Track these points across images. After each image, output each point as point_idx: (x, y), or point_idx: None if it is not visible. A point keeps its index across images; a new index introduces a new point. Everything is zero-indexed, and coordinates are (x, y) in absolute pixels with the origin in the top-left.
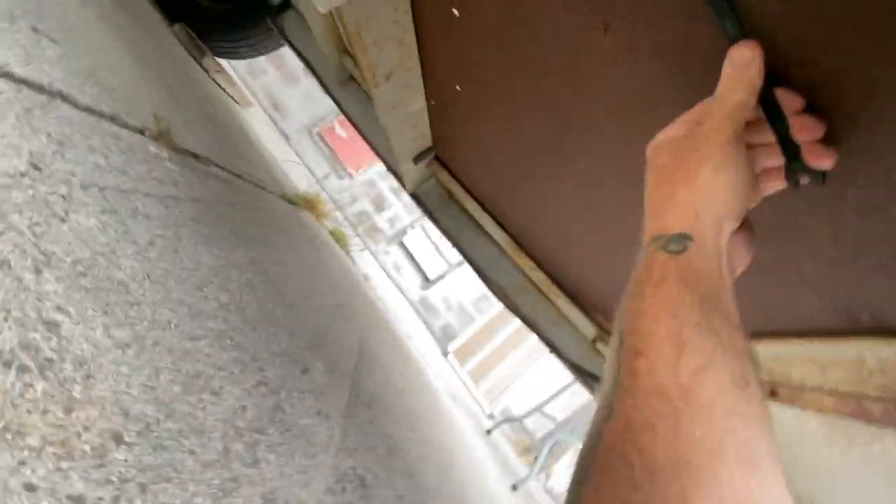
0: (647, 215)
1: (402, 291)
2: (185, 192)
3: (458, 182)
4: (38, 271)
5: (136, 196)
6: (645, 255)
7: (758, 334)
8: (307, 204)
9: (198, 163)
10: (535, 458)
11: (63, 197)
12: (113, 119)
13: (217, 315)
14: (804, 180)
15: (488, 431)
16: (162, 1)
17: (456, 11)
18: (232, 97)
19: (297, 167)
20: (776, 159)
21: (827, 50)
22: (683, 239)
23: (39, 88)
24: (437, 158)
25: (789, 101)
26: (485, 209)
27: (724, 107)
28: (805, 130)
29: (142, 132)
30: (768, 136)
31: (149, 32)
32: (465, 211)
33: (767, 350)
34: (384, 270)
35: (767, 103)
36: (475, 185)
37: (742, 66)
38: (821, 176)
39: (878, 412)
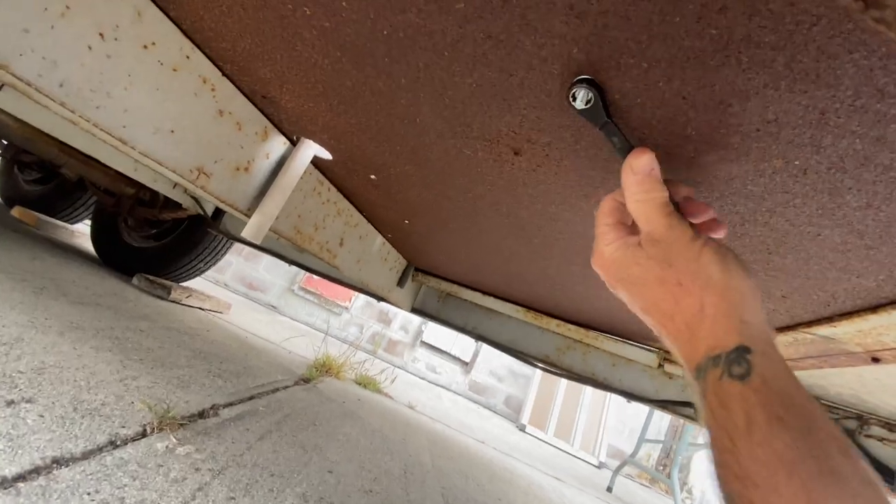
0: (668, 337)
1: (448, 388)
2: (209, 471)
3: (447, 281)
4: None
5: None
6: (709, 389)
7: (825, 318)
8: (323, 370)
9: (207, 420)
10: (667, 488)
11: None
12: (112, 443)
13: None
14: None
15: (609, 489)
16: (114, 263)
17: (373, 176)
18: (211, 310)
19: (299, 338)
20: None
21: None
22: (742, 353)
23: (35, 472)
24: (419, 270)
25: (680, 191)
26: (484, 293)
27: (658, 206)
28: (697, 213)
29: (144, 433)
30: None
31: (115, 309)
32: (466, 301)
33: (846, 328)
34: (422, 378)
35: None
36: (464, 278)
37: (646, 167)
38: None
39: None
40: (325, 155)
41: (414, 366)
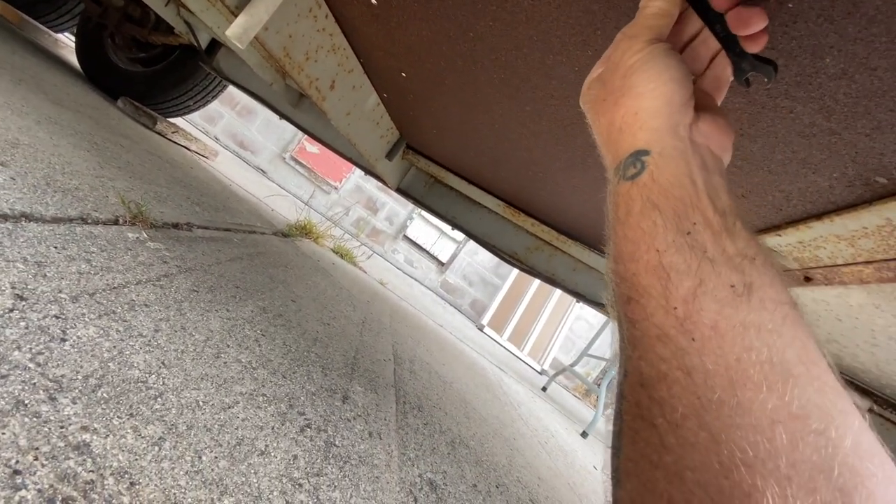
0: (603, 156)
1: (422, 283)
2: (176, 266)
3: (436, 164)
4: (52, 399)
5: (129, 289)
6: (609, 195)
7: (774, 227)
8: (302, 231)
9: (181, 231)
10: (596, 397)
11: (56, 317)
12: (83, 220)
13: (243, 377)
14: (754, 77)
15: (544, 388)
16: (98, 82)
17: (374, 0)
18: (197, 152)
19: (282, 199)
20: (712, 49)
21: None
22: (638, 156)
23: (2, 217)
24: (409, 147)
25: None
26: (470, 181)
27: (641, 18)
28: (742, 25)
29: (116, 222)
30: (696, 26)
31: (96, 120)
32: (452, 189)
33: (789, 238)
34: (398, 269)
35: (697, 4)
36: (453, 162)
37: None
38: (772, 71)
39: None
40: None
41: (393, 256)
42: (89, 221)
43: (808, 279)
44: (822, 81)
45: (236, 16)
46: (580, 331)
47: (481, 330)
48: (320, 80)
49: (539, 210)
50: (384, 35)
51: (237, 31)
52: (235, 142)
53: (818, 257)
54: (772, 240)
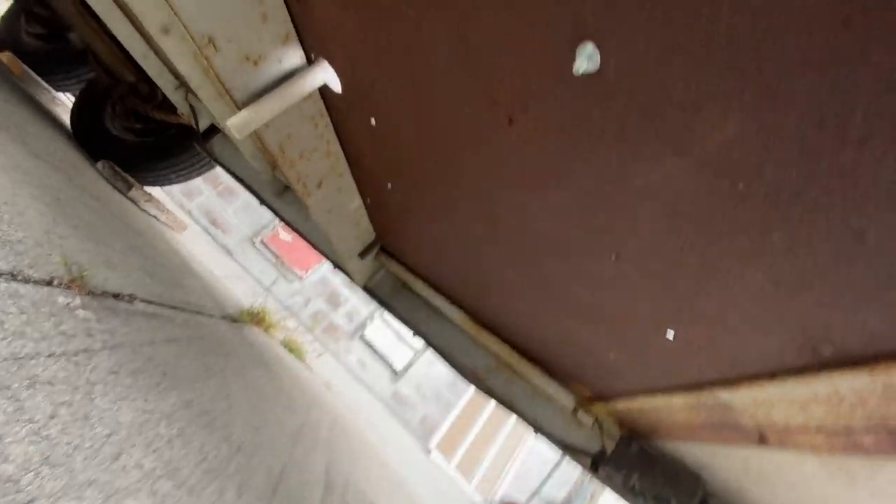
0: None
1: (370, 390)
2: (101, 341)
3: (407, 269)
4: None
5: (36, 361)
6: None
7: (729, 381)
8: (253, 318)
9: (120, 302)
10: None
11: None
12: (13, 276)
13: (139, 489)
14: None
15: None
16: (85, 143)
17: (373, 121)
18: (165, 223)
19: (240, 281)
20: None
21: None
22: None
23: None
24: (383, 250)
25: None
26: (438, 291)
27: None
28: None
29: (49, 283)
30: None
31: (70, 177)
32: (419, 296)
33: (745, 396)
34: (349, 370)
35: None
36: (425, 270)
37: None
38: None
39: (870, 444)
40: (335, 86)
41: (346, 356)
42: (18, 278)
43: (762, 439)
44: (771, 254)
45: (240, 109)
46: (537, 464)
47: (428, 454)
48: (309, 177)
49: (504, 329)
50: (378, 149)
51: (238, 123)
52: (209, 219)
53: (772, 418)
54: (726, 394)
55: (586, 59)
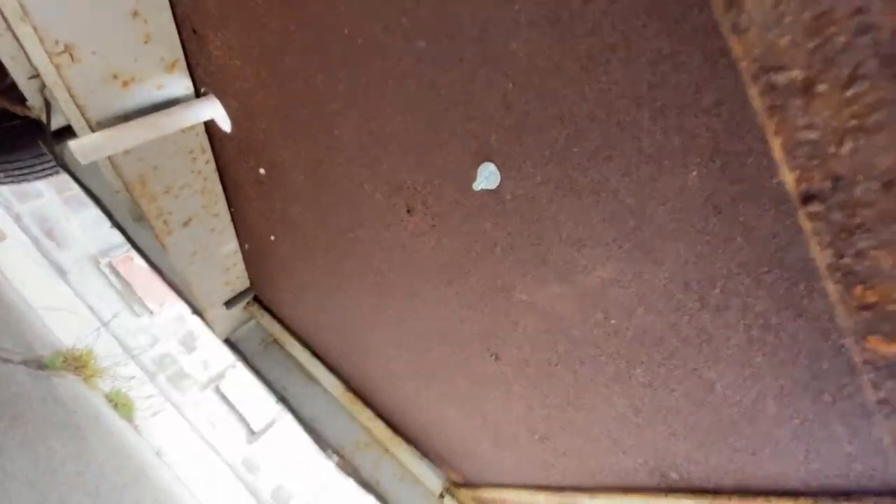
0: None
1: (218, 453)
2: None
3: (282, 326)
4: None
5: None
6: None
7: (589, 489)
8: (71, 364)
9: None
10: None
11: None
12: None
13: None
14: None
15: None
16: None
17: (262, 171)
18: None
19: (67, 313)
20: None
21: None
22: None
23: None
24: (257, 300)
25: None
26: (314, 354)
27: None
28: None
29: None
30: None
31: None
32: (291, 356)
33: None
34: (194, 429)
35: None
36: (302, 329)
37: None
38: None
39: None
40: (225, 125)
41: (193, 410)
42: None
43: None
44: (633, 385)
45: (93, 130)
46: None
47: None
48: (173, 214)
49: (381, 405)
50: (264, 200)
51: (83, 146)
52: (43, 228)
53: None
54: (585, 500)
55: (485, 178)
